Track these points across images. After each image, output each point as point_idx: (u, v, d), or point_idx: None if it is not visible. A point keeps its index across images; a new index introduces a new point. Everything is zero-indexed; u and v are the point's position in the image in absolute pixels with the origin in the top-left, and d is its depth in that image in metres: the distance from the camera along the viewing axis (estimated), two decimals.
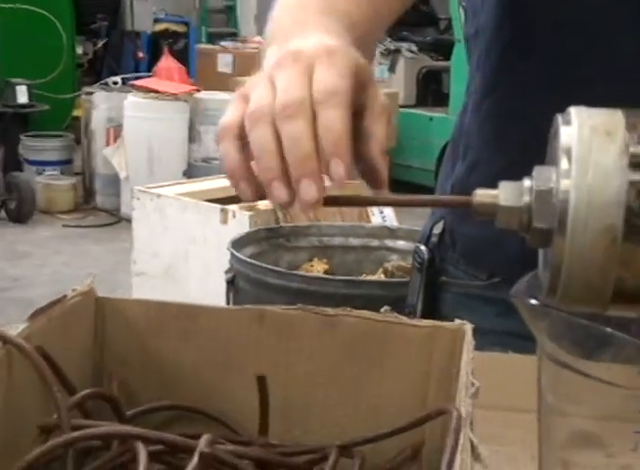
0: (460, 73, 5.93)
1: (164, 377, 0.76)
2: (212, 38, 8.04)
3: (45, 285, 4.10)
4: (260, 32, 8.20)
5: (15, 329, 0.65)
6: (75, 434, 0.59)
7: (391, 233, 2.25)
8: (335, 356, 0.73)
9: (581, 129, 0.50)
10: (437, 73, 6.46)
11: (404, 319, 0.74)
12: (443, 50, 6.24)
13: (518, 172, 1.01)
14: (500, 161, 0.99)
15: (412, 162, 6.06)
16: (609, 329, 0.52)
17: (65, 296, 0.71)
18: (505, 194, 0.53)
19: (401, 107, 5.95)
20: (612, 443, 0.61)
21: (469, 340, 0.70)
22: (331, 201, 0.56)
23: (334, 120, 0.54)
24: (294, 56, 0.59)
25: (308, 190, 0.54)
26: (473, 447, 0.51)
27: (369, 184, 0.60)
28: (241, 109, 0.59)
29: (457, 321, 0.73)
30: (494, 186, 1.02)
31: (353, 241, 2.23)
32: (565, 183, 0.49)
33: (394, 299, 1.85)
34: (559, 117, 0.52)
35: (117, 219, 5.17)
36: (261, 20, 8.80)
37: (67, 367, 0.68)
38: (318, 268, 2.18)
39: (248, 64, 6.62)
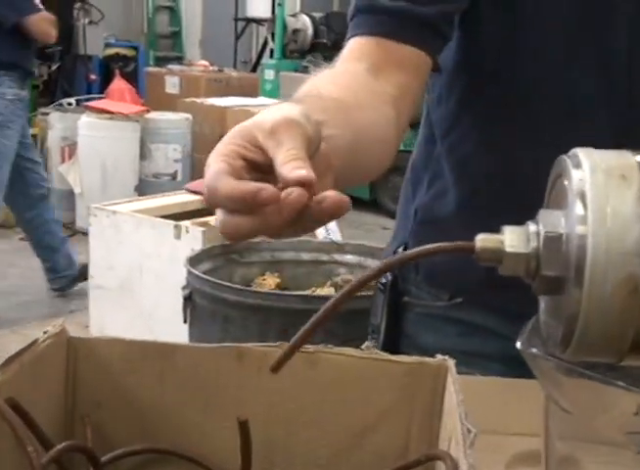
0: None
1: (141, 419, 0.67)
2: (160, 62, 7.94)
3: (1, 297, 3.93)
4: (204, 56, 8.11)
5: None
6: None
7: (339, 247, 2.18)
8: (316, 395, 0.66)
9: (594, 174, 0.44)
10: None
11: (386, 356, 0.67)
12: None
13: (482, 202, 0.95)
14: (465, 190, 0.93)
15: None
16: (621, 383, 0.45)
17: (36, 340, 0.63)
18: (511, 239, 0.47)
19: None
20: None
21: (453, 376, 0.63)
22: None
23: (222, 192, 0.52)
24: None
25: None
26: None
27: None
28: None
29: (439, 357, 0.67)
30: (456, 215, 0.97)
31: (304, 255, 2.16)
32: (581, 230, 0.43)
33: (347, 312, 1.79)
34: (566, 160, 0.46)
35: (73, 232, 5.01)
36: (205, 44, 8.71)
37: (39, 414, 0.59)
38: (270, 282, 2.11)
39: (193, 85, 6.52)
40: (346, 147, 0.64)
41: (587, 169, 0.44)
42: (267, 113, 0.57)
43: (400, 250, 1.02)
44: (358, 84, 0.73)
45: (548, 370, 0.48)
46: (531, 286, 0.47)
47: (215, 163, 0.54)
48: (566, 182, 0.45)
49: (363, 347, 0.66)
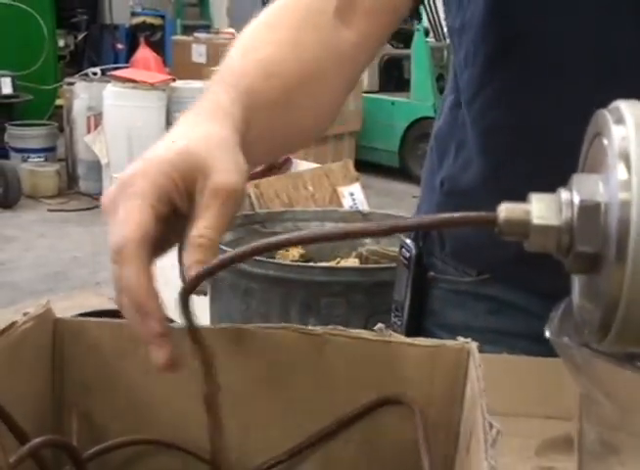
0: (420, 60, 5.79)
1: (133, 406, 0.62)
2: (187, 30, 7.86)
3: (30, 268, 3.92)
4: (232, 24, 8.02)
5: None
6: None
7: (364, 217, 2.11)
8: (322, 383, 0.60)
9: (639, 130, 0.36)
10: (399, 61, 6.31)
11: (401, 338, 0.60)
12: (404, 38, 6.08)
13: (510, 174, 0.88)
14: (491, 160, 0.85)
15: (376, 144, 5.94)
16: None
17: (15, 322, 0.57)
18: (539, 210, 0.40)
19: (365, 92, 5.80)
20: None
21: (476, 361, 0.56)
22: None
23: (128, 279, 0.53)
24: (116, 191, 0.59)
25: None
26: None
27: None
28: None
29: (460, 339, 0.60)
30: (483, 186, 0.89)
31: (329, 225, 2.09)
32: (623, 197, 0.36)
33: (371, 284, 1.73)
34: (606, 115, 0.39)
35: (100, 203, 5.00)
36: (232, 12, 8.61)
37: (20, 404, 0.54)
38: (294, 253, 2.04)
39: (220, 53, 6.42)
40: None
41: (631, 125, 0.37)
42: (212, 151, 0.57)
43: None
44: (321, 49, 0.73)
45: (583, 362, 0.42)
46: (564, 264, 0.40)
47: (143, 205, 0.55)
48: (605, 141, 0.38)
49: (376, 328, 0.59)
